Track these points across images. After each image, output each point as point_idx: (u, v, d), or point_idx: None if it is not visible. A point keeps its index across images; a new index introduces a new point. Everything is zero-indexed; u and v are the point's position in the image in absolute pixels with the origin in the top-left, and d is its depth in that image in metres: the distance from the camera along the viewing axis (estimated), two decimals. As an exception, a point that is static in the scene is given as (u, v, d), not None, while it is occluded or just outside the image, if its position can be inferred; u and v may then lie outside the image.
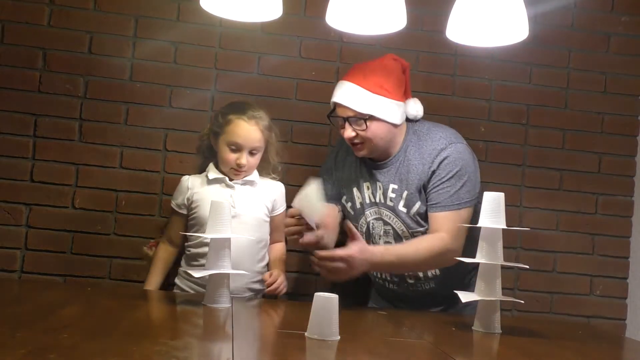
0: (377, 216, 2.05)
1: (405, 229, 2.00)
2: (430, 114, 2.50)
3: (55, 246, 2.37)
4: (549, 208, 2.59)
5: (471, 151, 2.02)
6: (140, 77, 2.43)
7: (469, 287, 2.00)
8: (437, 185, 1.94)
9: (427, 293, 2.05)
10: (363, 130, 1.93)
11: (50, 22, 2.39)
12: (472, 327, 1.61)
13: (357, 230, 1.97)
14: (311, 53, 2.50)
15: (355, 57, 2.39)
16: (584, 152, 2.62)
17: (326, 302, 1.35)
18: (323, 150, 2.39)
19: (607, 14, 2.64)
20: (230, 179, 2.05)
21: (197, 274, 1.68)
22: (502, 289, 1.61)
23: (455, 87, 2.57)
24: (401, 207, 1.98)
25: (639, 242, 2.60)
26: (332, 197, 2.11)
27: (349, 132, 1.95)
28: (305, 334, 1.35)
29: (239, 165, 2.00)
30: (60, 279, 2.36)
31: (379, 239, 2.06)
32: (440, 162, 1.95)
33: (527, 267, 1.82)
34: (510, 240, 2.54)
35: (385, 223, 2.03)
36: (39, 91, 2.38)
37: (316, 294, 1.37)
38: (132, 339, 1.26)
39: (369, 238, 2.07)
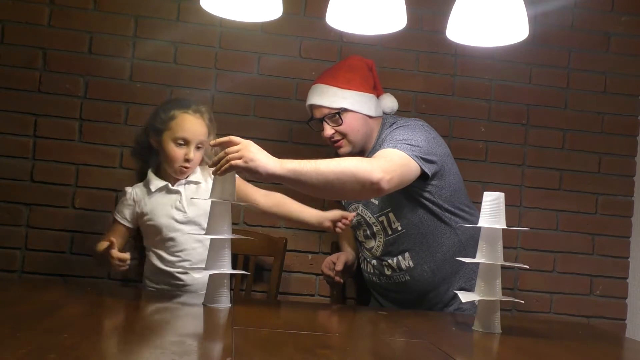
0: (355, 209, 2.14)
1: (371, 215, 2.08)
2: (430, 114, 2.51)
3: (55, 246, 2.37)
4: (549, 208, 2.59)
5: (427, 128, 2.01)
6: (140, 77, 2.43)
7: (445, 284, 2.06)
8: (384, 145, 1.94)
9: (404, 285, 2.09)
10: (339, 125, 2.03)
11: (50, 22, 2.39)
12: (472, 327, 1.61)
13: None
14: (311, 53, 2.51)
15: (355, 57, 2.39)
16: (584, 152, 2.62)
17: None
18: (323, 150, 2.39)
19: (607, 14, 2.64)
20: (174, 180, 2.01)
21: (197, 274, 1.68)
22: (502, 289, 1.61)
23: (455, 87, 2.57)
24: (372, 199, 2.06)
25: (639, 242, 2.60)
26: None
27: (327, 131, 2.06)
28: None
29: (188, 161, 1.96)
30: (60, 279, 2.37)
31: (359, 231, 2.15)
32: (389, 135, 1.98)
33: (527, 267, 1.82)
34: (510, 240, 2.54)
35: (358, 214, 2.12)
36: (39, 91, 2.38)
37: None
38: (132, 339, 1.26)
39: (356, 231, 2.18)
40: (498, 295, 1.58)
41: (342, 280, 2.15)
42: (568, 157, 2.61)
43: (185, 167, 1.98)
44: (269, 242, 2.33)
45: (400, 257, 2.05)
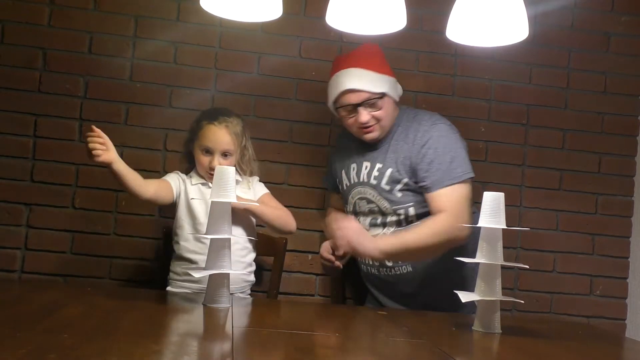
0: (362, 195, 2.12)
1: (388, 206, 2.06)
2: (430, 114, 2.50)
3: (55, 246, 2.37)
4: (549, 208, 2.59)
5: (455, 130, 2.07)
6: (140, 77, 2.43)
7: (449, 273, 2.06)
8: (427, 167, 1.99)
9: (405, 277, 2.09)
10: (379, 110, 2.01)
11: (50, 22, 2.39)
12: (472, 327, 1.61)
13: (346, 211, 2.18)
14: (311, 53, 2.50)
15: (355, 57, 2.39)
16: (584, 152, 2.62)
17: None
18: (323, 150, 2.39)
19: (607, 14, 2.64)
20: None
21: (197, 274, 1.68)
22: (502, 289, 1.61)
23: (455, 87, 2.57)
24: (384, 184, 2.05)
25: (639, 242, 2.60)
26: (334, 187, 2.28)
27: (363, 116, 2.01)
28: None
29: (212, 169, 2.02)
30: (61, 279, 2.36)
31: (364, 218, 2.11)
32: (425, 143, 2.00)
33: (527, 267, 1.82)
34: (510, 240, 2.54)
35: (369, 201, 2.10)
36: (39, 91, 2.38)
37: None
38: (132, 339, 1.26)
39: (356, 217, 2.14)
40: (498, 295, 1.59)
41: (341, 265, 2.13)
42: (568, 157, 2.61)
43: (210, 174, 2.04)
44: (269, 242, 2.33)
45: None
